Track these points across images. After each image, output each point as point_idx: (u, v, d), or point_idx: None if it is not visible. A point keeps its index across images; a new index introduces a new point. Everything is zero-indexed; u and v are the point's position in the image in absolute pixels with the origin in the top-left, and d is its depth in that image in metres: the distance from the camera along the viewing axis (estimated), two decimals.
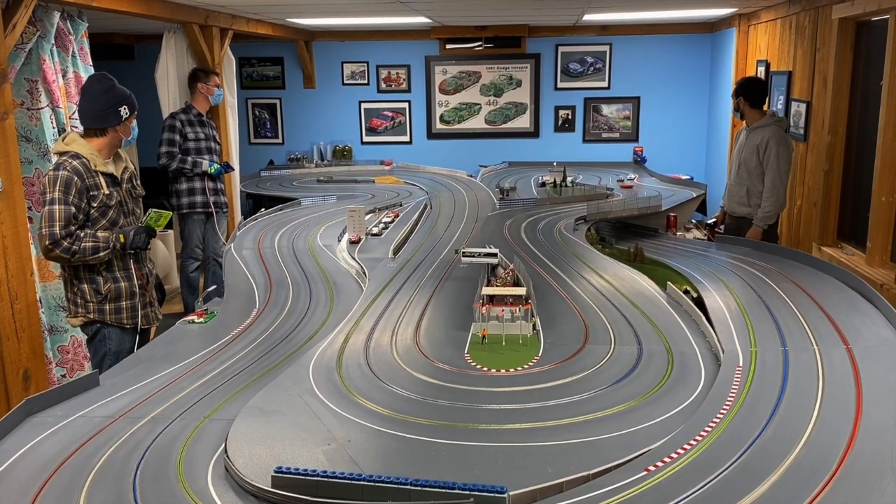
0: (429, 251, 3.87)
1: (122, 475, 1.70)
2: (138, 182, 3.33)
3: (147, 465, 1.75)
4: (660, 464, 1.64)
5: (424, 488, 1.52)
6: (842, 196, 4.63)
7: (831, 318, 2.60)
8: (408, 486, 1.52)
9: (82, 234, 2.96)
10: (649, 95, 7.54)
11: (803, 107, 5.01)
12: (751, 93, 4.55)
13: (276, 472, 1.58)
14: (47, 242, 2.90)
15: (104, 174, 3.04)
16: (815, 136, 4.84)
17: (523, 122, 7.68)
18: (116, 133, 3.09)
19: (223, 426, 1.91)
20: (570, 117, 7.64)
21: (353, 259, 3.68)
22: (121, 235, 3.06)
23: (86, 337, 3.26)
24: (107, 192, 3.04)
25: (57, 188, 2.90)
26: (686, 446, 1.71)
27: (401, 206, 5.23)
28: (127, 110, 3.10)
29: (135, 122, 3.23)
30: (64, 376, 3.82)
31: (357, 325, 2.71)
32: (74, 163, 2.95)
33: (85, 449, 1.84)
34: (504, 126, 7.71)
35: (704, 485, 1.55)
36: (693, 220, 5.53)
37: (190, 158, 5.25)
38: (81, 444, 1.86)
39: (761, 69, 5.94)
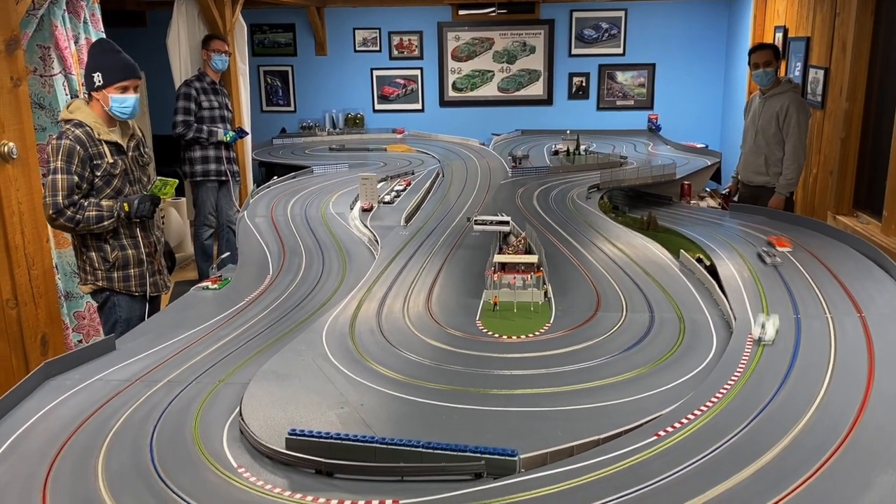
0: (441, 219, 3.87)
1: (138, 438, 1.73)
2: (146, 150, 3.32)
3: (163, 427, 1.78)
4: (670, 429, 1.65)
5: (436, 451, 1.53)
6: (858, 164, 4.57)
7: (845, 286, 2.58)
8: (420, 449, 1.54)
9: (86, 203, 2.97)
10: (665, 62, 7.44)
11: (821, 73, 4.93)
12: (783, 57, 4.45)
13: (290, 434, 1.60)
14: (51, 212, 2.91)
15: (108, 143, 3.03)
16: (832, 104, 4.77)
17: (537, 89, 7.60)
18: (98, 103, 3.03)
19: (238, 390, 1.94)
20: (584, 84, 7.56)
21: (366, 227, 3.69)
22: (125, 204, 3.06)
23: (97, 304, 3.29)
24: (111, 160, 3.03)
25: (59, 157, 2.90)
26: (696, 412, 1.72)
27: (413, 174, 5.22)
28: (101, 78, 2.99)
29: (130, 100, 3.05)
30: (80, 342, 3.88)
31: (369, 291, 2.72)
32: (77, 131, 2.94)
33: (102, 412, 1.87)
34: (517, 93, 7.64)
35: (714, 450, 1.56)
36: (707, 189, 5.49)
37: (205, 127, 5.25)
38: (98, 408, 1.89)
39: (779, 35, 5.83)
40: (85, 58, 3.83)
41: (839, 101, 4.62)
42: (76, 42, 3.80)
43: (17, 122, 3.01)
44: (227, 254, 3.49)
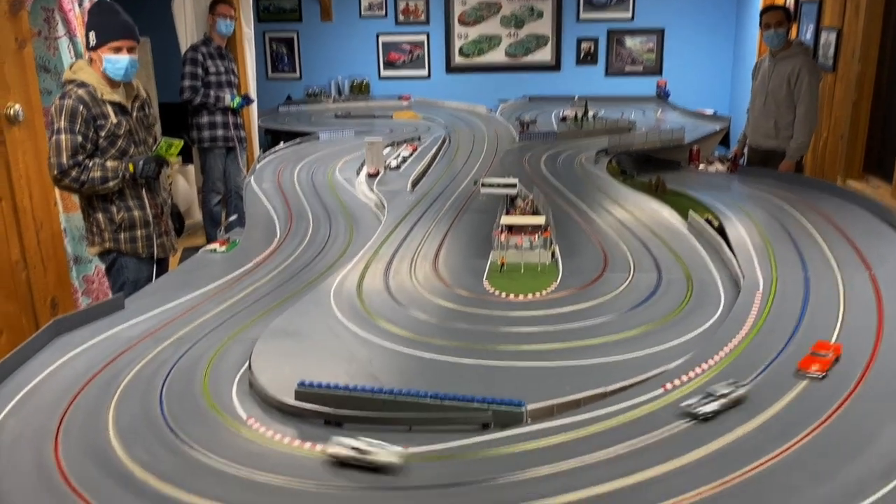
0: (447, 184, 3.85)
1: (148, 391, 1.75)
2: (151, 110, 3.30)
3: (172, 382, 1.80)
4: (677, 382, 1.66)
5: (444, 401, 1.54)
6: (870, 127, 4.52)
7: (855, 245, 2.57)
8: (427, 400, 1.55)
9: (90, 164, 2.96)
10: (674, 27, 7.33)
11: (833, 35, 4.86)
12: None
13: (299, 385, 1.61)
14: (55, 172, 2.91)
15: (111, 103, 3.01)
16: (844, 66, 4.70)
17: (544, 54, 7.51)
18: (94, 62, 3.02)
19: (247, 346, 1.95)
20: (592, 50, 7.47)
21: (372, 192, 3.68)
22: (130, 165, 3.04)
23: (104, 266, 3.30)
24: (115, 120, 3.01)
25: (63, 118, 2.89)
26: (703, 366, 1.72)
27: (419, 140, 5.19)
28: (94, 37, 2.97)
29: (123, 61, 2.99)
30: (89, 305, 3.90)
31: (377, 253, 2.72)
32: (80, 91, 2.92)
33: (112, 367, 1.89)
34: (525, 59, 7.55)
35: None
36: (716, 154, 5.44)
37: (212, 92, 5.23)
38: (108, 363, 1.91)
39: None
40: None
41: (851, 64, 4.55)
42: (80, 4, 3.76)
43: (22, 85, 3.00)
44: (235, 216, 3.49)
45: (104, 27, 2.98)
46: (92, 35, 2.98)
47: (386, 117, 6.43)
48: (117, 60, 2.99)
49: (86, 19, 3.73)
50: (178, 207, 5.91)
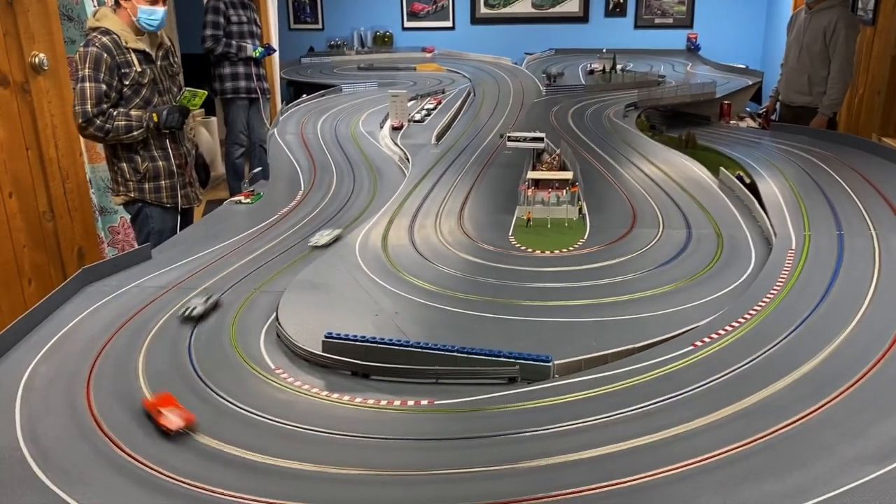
0: (472, 137, 3.81)
1: (177, 339, 1.76)
2: (175, 59, 3.28)
3: (201, 331, 1.81)
4: (707, 339, 1.64)
5: (471, 356, 1.54)
6: None
7: (892, 204, 2.50)
8: (455, 353, 1.54)
9: (115, 113, 2.95)
10: None
11: None
12: None
13: (326, 336, 1.61)
14: (80, 121, 2.90)
15: (136, 51, 2.99)
16: (884, 19, 4.54)
17: (572, 6, 7.34)
18: (126, 11, 3.00)
19: (273, 298, 1.95)
20: (621, 1, 7.28)
21: (396, 145, 3.64)
22: (154, 114, 3.04)
23: (129, 216, 3.32)
24: (139, 69, 3.00)
25: (87, 65, 2.87)
26: (734, 324, 1.70)
27: (443, 93, 5.12)
28: None
29: (159, 12, 3.02)
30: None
31: (401, 207, 2.70)
32: (104, 39, 2.90)
33: (141, 316, 1.90)
34: (552, 10, 7.39)
35: (751, 361, 1.55)
36: (747, 110, 5.32)
37: (234, 42, 5.17)
38: (137, 312, 1.93)
39: None
40: None
41: (892, 17, 4.39)
42: None
43: (46, 34, 2.98)
44: (259, 169, 3.48)
45: None
46: None
47: (409, 69, 6.34)
48: (153, 12, 3.00)
49: None
50: (205, 158, 5.91)
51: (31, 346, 1.74)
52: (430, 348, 1.56)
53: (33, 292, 2.97)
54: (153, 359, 1.67)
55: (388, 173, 3.28)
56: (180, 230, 3.07)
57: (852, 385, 1.45)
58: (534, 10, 7.41)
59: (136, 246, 3.42)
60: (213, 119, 6.22)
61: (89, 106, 2.88)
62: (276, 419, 1.42)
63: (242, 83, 5.28)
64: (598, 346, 1.64)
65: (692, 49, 7.05)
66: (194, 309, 1.86)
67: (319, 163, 3.43)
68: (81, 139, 3.36)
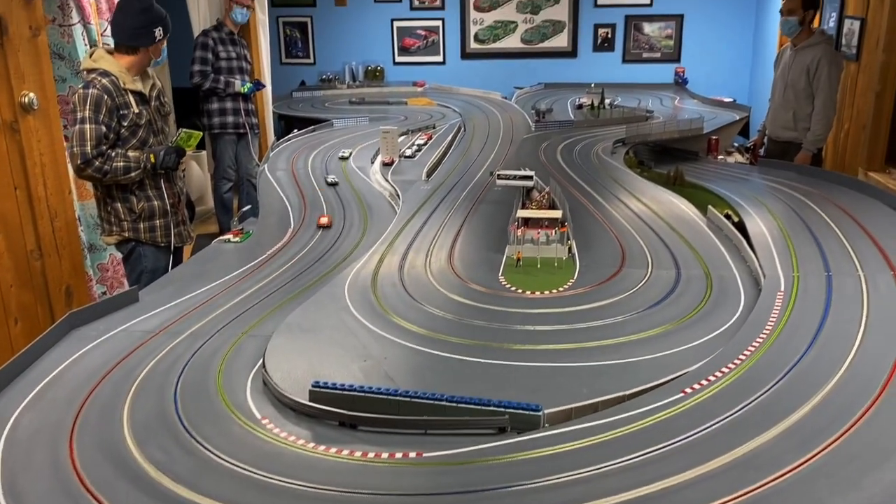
0: (463, 173, 3.82)
1: (163, 388, 1.74)
2: (166, 99, 3.32)
3: (187, 378, 1.79)
4: (696, 386, 1.63)
5: (460, 405, 1.53)
6: (893, 119, 4.44)
7: (878, 243, 2.52)
8: (443, 402, 1.53)
9: (113, 154, 2.98)
10: (693, 13, 7.22)
11: (857, 24, 4.76)
12: (817, 7, 4.29)
13: (313, 386, 1.60)
14: (79, 162, 2.92)
15: (133, 92, 3.03)
16: (868, 56, 4.61)
17: (561, 41, 7.42)
18: (147, 53, 3.07)
19: (261, 342, 1.94)
20: (609, 36, 7.37)
21: (387, 181, 3.65)
22: (151, 155, 3.07)
23: (122, 255, 3.31)
24: (136, 110, 3.03)
25: (87, 107, 2.89)
26: (724, 369, 1.69)
27: (434, 128, 5.15)
28: (161, 32, 3.09)
29: (165, 45, 3.19)
30: (104, 294, 3.91)
31: (391, 246, 2.70)
32: (104, 81, 2.93)
33: (127, 362, 1.88)
34: (540, 45, 7.47)
35: (742, 408, 1.54)
36: (735, 144, 5.37)
37: (222, 78, 5.20)
38: (123, 358, 1.91)
39: None
40: (104, 7, 3.79)
41: (875, 54, 4.46)
42: None
43: (37, 73, 2.99)
44: (249, 207, 3.48)
45: (163, 20, 3.10)
46: (159, 30, 3.09)
47: (400, 104, 6.39)
48: (163, 49, 3.18)
49: (103, 8, 3.73)
50: (190, 196, 5.91)
51: (14, 395, 1.72)
52: (418, 397, 1.55)
53: (19, 332, 2.94)
54: (139, 408, 1.65)
55: (378, 210, 3.28)
56: (171, 269, 3.06)
57: (844, 433, 1.44)
58: (523, 46, 7.49)
59: (126, 284, 3.41)
60: (203, 153, 6.23)
61: (89, 147, 2.90)
62: (263, 473, 1.39)
63: (230, 118, 5.30)
64: (589, 393, 1.63)
65: (680, 83, 7.13)
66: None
67: (310, 199, 3.43)
68: (71, 177, 3.36)
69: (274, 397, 1.67)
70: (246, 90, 5.27)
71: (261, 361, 1.81)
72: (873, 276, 2.22)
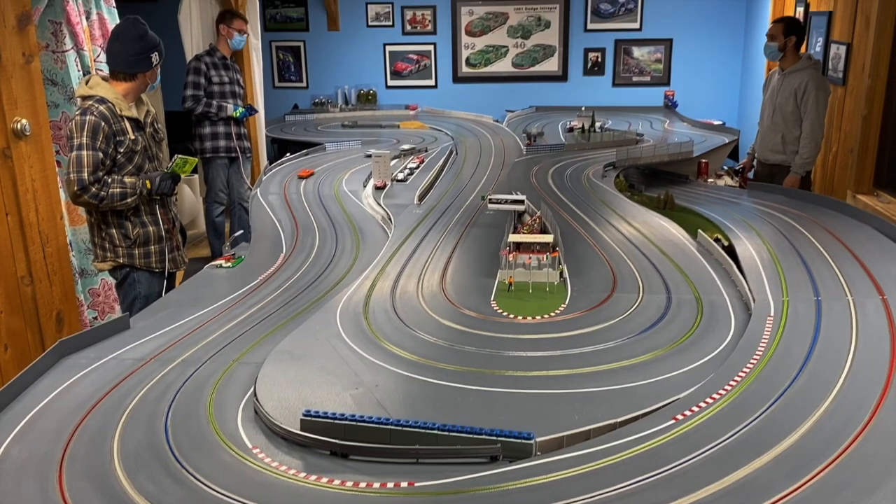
0: (454, 197, 3.84)
1: (153, 417, 1.74)
2: (160, 125, 3.34)
3: (178, 407, 1.78)
4: (688, 413, 1.63)
5: (451, 433, 1.53)
6: (880, 142, 4.49)
7: (866, 267, 2.54)
8: (435, 431, 1.53)
9: (110, 180, 2.98)
10: (682, 37, 7.31)
11: (843, 49, 4.83)
12: (801, 32, 4.37)
13: (304, 415, 1.59)
14: (76, 188, 2.92)
15: (129, 119, 3.04)
16: (854, 80, 4.67)
17: (551, 65, 7.50)
18: (144, 79, 3.10)
19: (252, 370, 1.93)
20: (599, 60, 7.45)
21: (379, 205, 3.66)
22: (147, 181, 3.08)
23: (115, 281, 3.30)
24: (132, 136, 3.04)
25: (84, 133, 2.90)
26: (715, 396, 1.70)
27: (426, 151, 5.18)
28: (157, 57, 3.12)
29: (158, 76, 3.21)
30: (95, 318, 3.89)
31: (383, 271, 2.70)
32: (101, 107, 2.95)
33: (117, 391, 1.88)
34: (532, 69, 7.54)
35: (732, 435, 1.54)
36: (725, 167, 5.41)
37: (215, 102, 5.23)
38: (114, 386, 1.90)
39: (800, 9, 5.71)
40: (97, 34, 3.81)
41: (861, 78, 4.52)
42: (88, 18, 3.77)
43: (29, 99, 2.99)
44: (241, 232, 3.48)
45: (157, 46, 3.13)
46: (155, 56, 3.11)
47: (393, 127, 6.42)
48: (158, 74, 3.21)
49: (97, 34, 3.75)
50: (182, 221, 5.91)
51: (3, 426, 1.71)
52: (410, 426, 1.54)
53: (9, 359, 2.92)
54: (129, 438, 1.64)
55: (370, 234, 3.29)
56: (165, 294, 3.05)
57: (835, 460, 1.45)
58: (514, 70, 7.56)
59: (120, 309, 3.40)
60: (196, 177, 6.23)
61: (86, 174, 2.90)
62: None
63: (222, 142, 5.32)
64: (580, 420, 1.63)
65: (669, 106, 7.20)
66: None
67: (302, 224, 3.44)
68: (63, 202, 3.36)
69: (265, 426, 1.67)
70: (238, 115, 5.30)
71: (252, 389, 1.81)
72: (862, 301, 2.24)
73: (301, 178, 2.93)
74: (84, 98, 3.00)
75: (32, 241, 3.03)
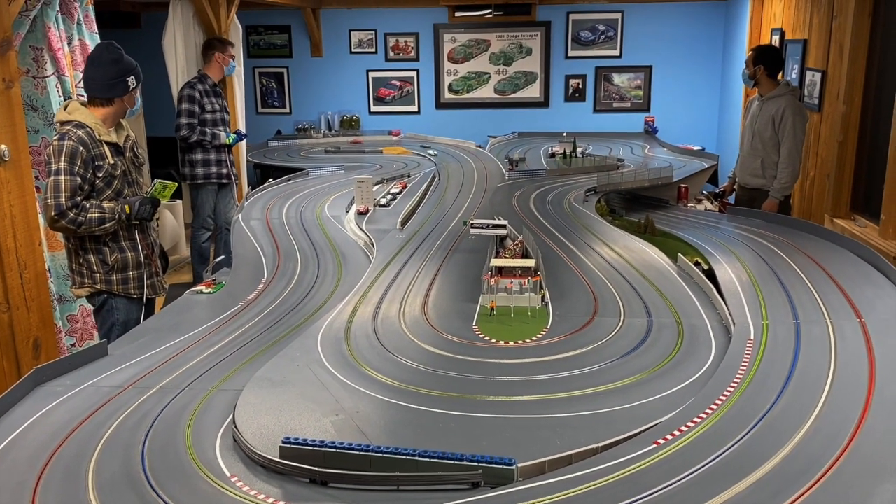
0: (437, 222, 3.85)
1: (130, 445, 1.71)
2: (140, 150, 3.32)
3: (155, 435, 1.76)
4: (669, 437, 1.63)
5: (433, 460, 1.51)
6: (856, 167, 4.56)
7: (844, 290, 2.57)
8: (416, 458, 1.51)
9: (88, 205, 2.95)
10: (661, 65, 7.44)
11: (818, 76, 4.93)
12: (770, 61, 4.47)
13: (284, 442, 1.58)
14: (53, 213, 2.89)
15: (108, 143, 3.03)
16: (829, 106, 4.76)
17: (533, 91, 7.59)
18: (122, 103, 3.09)
19: (231, 396, 1.91)
20: (580, 87, 7.55)
21: (361, 230, 3.66)
22: (126, 206, 3.06)
23: (93, 307, 3.27)
24: (111, 161, 3.03)
25: (63, 158, 2.88)
26: (696, 419, 1.70)
27: (409, 176, 5.19)
28: (134, 81, 3.10)
29: (139, 93, 3.20)
30: (73, 345, 3.84)
31: (365, 296, 2.69)
32: (79, 132, 2.93)
33: (94, 419, 1.85)
34: (513, 96, 7.63)
35: (713, 459, 1.54)
36: (704, 192, 5.47)
37: (209, 130, 5.24)
38: (90, 414, 1.87)
39: (776, 38, 5.83)
40: (79, 59, 3.81)
41: (836, 104, 4.61)
42: (69, 43, 3.77)
43: (9, 124, 2.98)
44: (222, 257, 3.46)
45: (135, 69, 3.12)
46: (132, 79, 3.10)
47: (376, 152, 6.44)
48: (137, 98, 3.23)
49: (78, 60, 3.75)
50: (163, 247, 5.88)
51: None
52: (390, 452, 1.53)
53: None
54: (104, 467, 1.61)
55: (352, 259, 3.28)
56: (143, 321, 3.02)
57: (815, 483, 1.45)
58: (496, 96, 7.64)
59: (98, 335, 3.36)
60: (179, 202, 6.21)
61: (63, 199, 2.88)
62: None
63: (213, 169, 5.33)
64: (562, 445, 1.63)
65: (650, 131, 7.29)
66: None
67: (284, 249, 3.42)
68: (41, 228, 3.33)
69: (244, 454, 1.65)
70: (231, 141, 5.32)
71: (231, 416, 1.79)
72: (840, 324, 2.26)
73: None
74: (63, 123, 2.99)
75: (10, 267, 3.00)
